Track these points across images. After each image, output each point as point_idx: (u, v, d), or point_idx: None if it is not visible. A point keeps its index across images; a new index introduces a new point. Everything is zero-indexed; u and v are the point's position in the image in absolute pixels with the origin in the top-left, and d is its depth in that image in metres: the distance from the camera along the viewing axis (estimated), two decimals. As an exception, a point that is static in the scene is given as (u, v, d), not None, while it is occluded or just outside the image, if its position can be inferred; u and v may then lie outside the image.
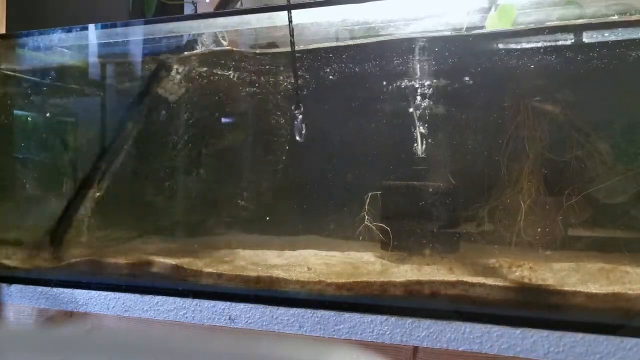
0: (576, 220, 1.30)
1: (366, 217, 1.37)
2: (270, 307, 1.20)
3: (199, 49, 1.62)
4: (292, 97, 1.50)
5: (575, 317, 1.03)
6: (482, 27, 1.38)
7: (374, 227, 1.36)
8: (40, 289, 1.41)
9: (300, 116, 1.30)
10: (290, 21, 1.28)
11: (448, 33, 1.39)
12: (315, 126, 1.34)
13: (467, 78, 1.40)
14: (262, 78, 1.64)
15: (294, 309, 1.18)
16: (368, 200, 1.38)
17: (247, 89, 1.66)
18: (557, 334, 1.01)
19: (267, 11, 1.46)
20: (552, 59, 1.34)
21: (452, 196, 1.36)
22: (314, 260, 1.36)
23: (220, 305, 1.24)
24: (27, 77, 1.75)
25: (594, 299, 1.03)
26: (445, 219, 1.34)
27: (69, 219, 1.56)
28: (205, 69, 1.66)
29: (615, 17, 1.28)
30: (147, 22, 1.68)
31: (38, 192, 1.79)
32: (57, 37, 1.62)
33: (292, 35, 1.27)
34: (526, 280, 1.13)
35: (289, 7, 1.29)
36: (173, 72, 1.65)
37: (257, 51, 1.62)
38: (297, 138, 1.30)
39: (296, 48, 1.31)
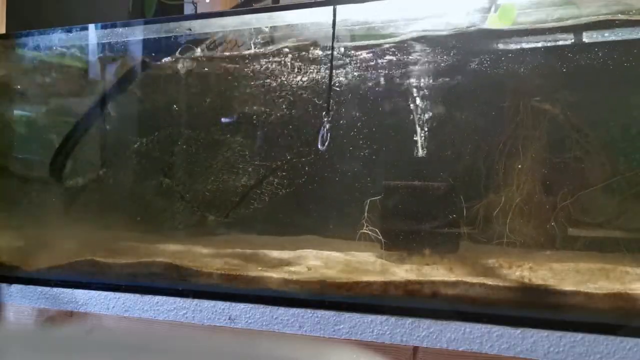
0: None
1: (365, 224, 1.37)
2: (270, 307, 1.20)
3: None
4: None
5: (575, 317, 1.03)
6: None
7: (372, 234, 1.36)
8: (40, 289, 1.41)
9: (328, 125, 1.27)
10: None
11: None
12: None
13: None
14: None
15: (294, 309, 1.18)
16: (367, 207, 1.38)
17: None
18: (557, 334, 1.01)
19: (266, 11, 1.47)
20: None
21: (452, 196, 1.36)
22: (313, 261, 1.36)
23: (220, 305, 1.24)
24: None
25: (594, 299, 1.03)
26: (445, 219, 1.34)
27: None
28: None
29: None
30: (147, 22, 1.68)
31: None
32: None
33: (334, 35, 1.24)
34: (526, 280, 1.13)
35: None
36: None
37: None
38: (319, 146, 1.26)
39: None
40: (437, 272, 1.20)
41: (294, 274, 1.25)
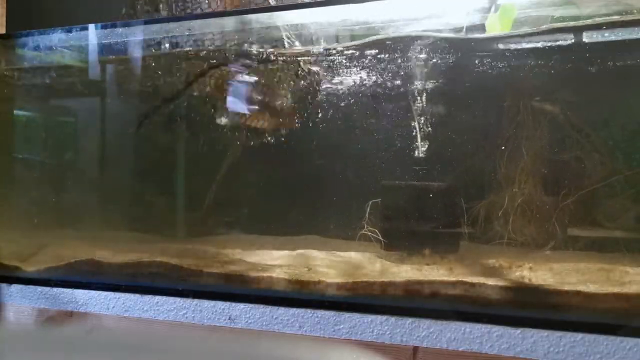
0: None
1: (366, 226, 1.37)
2: (270, 307, 1.20)
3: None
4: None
5: (575, 317, 1.03)
6: (482, 27, 1.38)
7: (372, 236, 1.35)
8: (40, 289, 1.41)
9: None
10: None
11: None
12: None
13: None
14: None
15: (294, 309, 1.18)
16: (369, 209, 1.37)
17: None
18: (557, 334, 1.01)
19: (266, 11, 1.47)
20: None
21: (451, 196, 1.36)
22: (313, 260, 1.36)
23: (220, 305, 1.24)
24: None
25: (594, 299, 1.03)
26: (445, 219, 1.34)
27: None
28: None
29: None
30: (147, 22, 1.68)
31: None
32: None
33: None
34: (526, 280, 1.13)
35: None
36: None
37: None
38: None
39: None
40: (437, 272, 1.20)
41: (294, 274, 1.25)
